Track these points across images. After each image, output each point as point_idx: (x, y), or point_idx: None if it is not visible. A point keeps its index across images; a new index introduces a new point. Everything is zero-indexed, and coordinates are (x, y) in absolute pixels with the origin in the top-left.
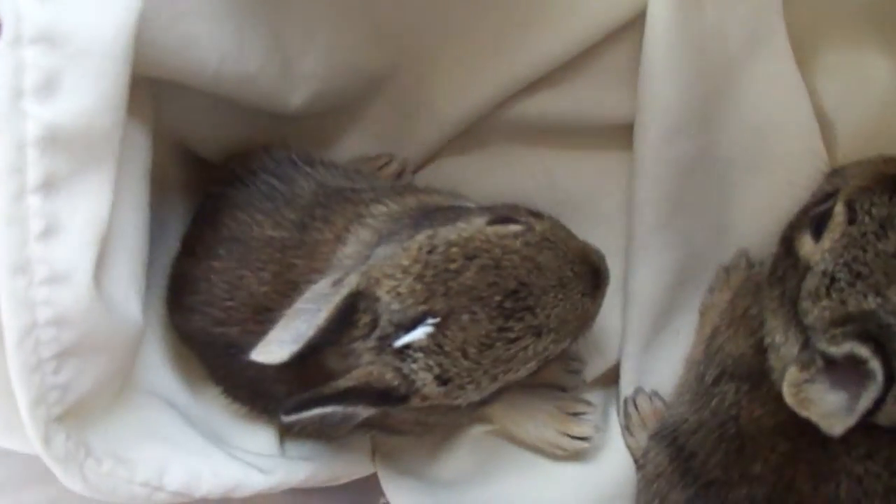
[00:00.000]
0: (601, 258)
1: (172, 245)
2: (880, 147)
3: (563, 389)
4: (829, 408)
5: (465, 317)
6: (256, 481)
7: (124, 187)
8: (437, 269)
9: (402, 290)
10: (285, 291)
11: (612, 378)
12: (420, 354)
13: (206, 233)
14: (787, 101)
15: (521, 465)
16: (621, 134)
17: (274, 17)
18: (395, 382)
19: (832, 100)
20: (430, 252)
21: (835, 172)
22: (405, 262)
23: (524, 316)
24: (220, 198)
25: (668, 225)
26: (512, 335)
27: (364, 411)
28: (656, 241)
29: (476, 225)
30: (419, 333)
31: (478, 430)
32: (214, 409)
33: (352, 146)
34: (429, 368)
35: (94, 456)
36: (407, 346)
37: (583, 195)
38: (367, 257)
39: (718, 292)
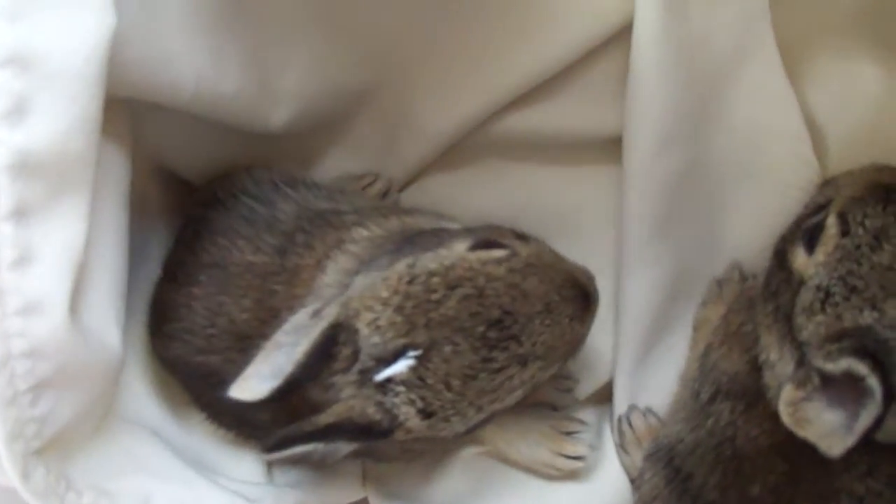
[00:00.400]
0: (590, 279)
1: (154, 269)
2: (873, 155)
3: (555, 408)
4: (828, 427)
5: (448, 348)
6: None
7: (101, 212)
8: (417, 299)
9: (382, 322)
10: (266, 318)
11: (605, 395)
12: (402, 388)
13: (187, 258)
14: (777, 110)
15: (515, 486)
16: (609, 148)
17: (252, 36)
18: (378, 417)
19: (823, 108)
20: (409, 282)
21: (827, 183)
22: (384, 294)
23: (509, 345)
24: (201, 221)
25: (660, 238)
26: (496, 365)
27: (346, 447)
28: (647, 255)
29: (458, 251)
30: (400, 367)
31: (469, 451)
32: (200, 436)
33: (336, 165)
34: (411, 402)
35: (74, 489)
36: (388, 380)
37: (571, 210)
38: (347, 286)
39: (712, 306)
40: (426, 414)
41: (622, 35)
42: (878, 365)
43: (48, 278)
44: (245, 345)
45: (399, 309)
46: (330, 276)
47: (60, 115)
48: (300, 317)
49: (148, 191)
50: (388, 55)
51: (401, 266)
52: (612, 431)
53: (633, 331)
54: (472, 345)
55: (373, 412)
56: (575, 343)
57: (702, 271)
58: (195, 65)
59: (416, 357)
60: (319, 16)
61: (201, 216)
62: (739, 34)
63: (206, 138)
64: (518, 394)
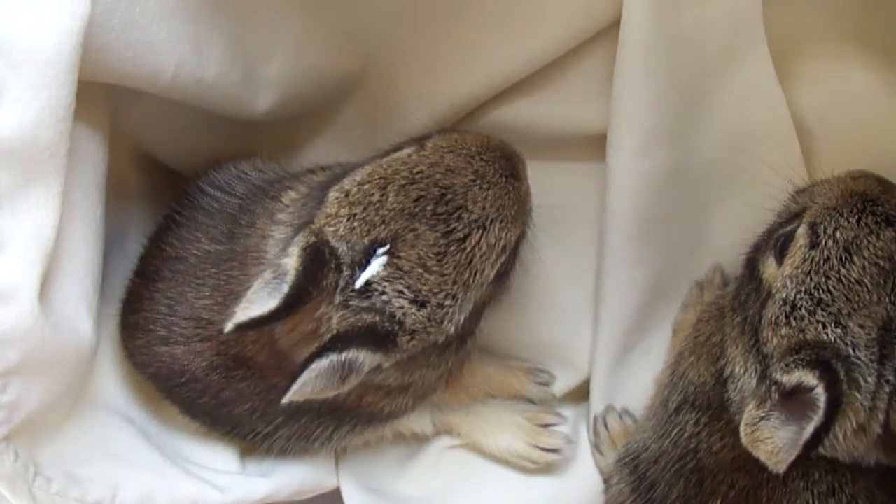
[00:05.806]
0: (504, 142)
1: (132, 257)
2: (861, 162)
3: (533, 403)
4: (779, 443)
5: (410, 235)
6: (213, 499)
7: (76, 200)
8: (362, 204)
9: (342, 231)
10: (225, 301)
11: (582, 394)
12: (385, 284)
13: (155, 253)
14: (766, 112)
15: (488, 481)
16: (594, 145)
17: (236, 21)
18: (375, 318)
19: (812, 113)
20: (346, 196)
21: (802, 191)
22: (332, 210)
23: (461, 214)
24: (171, 217)
25: (642, 238)
26: (459, 234)
27: (361, 354)
28: (629, 255)
29: (372, 164)
30: (375, 266)
31: (444, 443)
32: (173, 424)
33: (321, 154)
34: (400, 294)
35: (44, 475)
36: (369, 283)
37: (554, 207)
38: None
39: (692, 310)
40: (420, 303)
41: (610, 31)
42: (827, 375)
43: (17, 267)
44: (208, 332)
45: (351, 217)
46: (272, 251)
47: (30, 102)
48: (265, 276)
49: (126, 176)
50: (372, 44)
51: (331, 195)
52: (588, 431)
53: (612, 331)
54: (429, 224)
55: (369, 317)
56: (523, 198)
57: (684, 274)
58: (176, 52)
59: (387, 252)
60: (303, 2)
61: (173, 212)
62: (730, 34)
63: (188, 124)
64: (493, 260)
